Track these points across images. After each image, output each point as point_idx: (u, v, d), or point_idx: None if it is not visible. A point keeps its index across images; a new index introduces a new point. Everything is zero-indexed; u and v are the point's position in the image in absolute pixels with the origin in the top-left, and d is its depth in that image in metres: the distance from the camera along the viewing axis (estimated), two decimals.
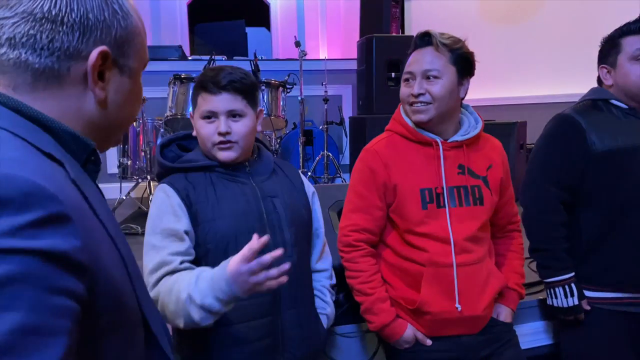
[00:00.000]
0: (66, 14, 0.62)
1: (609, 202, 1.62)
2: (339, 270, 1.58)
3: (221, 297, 1.10)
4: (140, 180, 3.73)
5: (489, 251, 1.57)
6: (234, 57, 5.19)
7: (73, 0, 0.63)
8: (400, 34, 5.27)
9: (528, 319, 1.95)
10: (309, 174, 4.24)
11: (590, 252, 1.66)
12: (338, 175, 4.40)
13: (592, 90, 1.74)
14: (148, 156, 3.62)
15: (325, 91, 4.45)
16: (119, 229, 0.69)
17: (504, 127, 3.83)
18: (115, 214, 3.53)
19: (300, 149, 4.22)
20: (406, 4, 5.45)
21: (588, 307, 1.66)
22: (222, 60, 4.67)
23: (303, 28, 6.00)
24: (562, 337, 1.80)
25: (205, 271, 1.16)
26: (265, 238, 1.06)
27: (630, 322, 1.64)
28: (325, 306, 1.49)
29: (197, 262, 1.29)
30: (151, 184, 3.60)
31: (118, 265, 0.63)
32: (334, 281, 1.55)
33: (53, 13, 0.62)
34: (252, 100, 1.37)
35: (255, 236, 1.07)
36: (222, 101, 1.32)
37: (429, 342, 1.51)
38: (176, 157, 1.42)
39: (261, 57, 4.69)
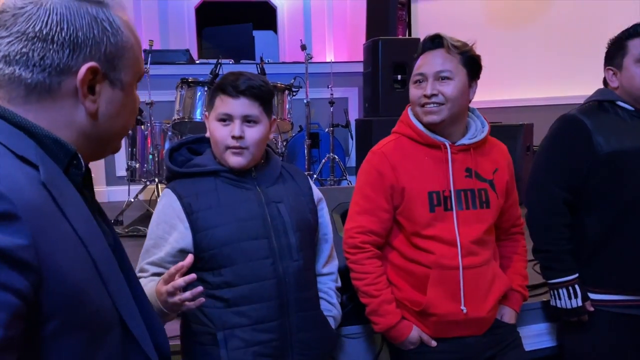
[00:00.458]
0: (56, 33, 0.66)
1: (614, 204, 1.61)
2: (343, 271, 1.59)
3: (156, 308, 1.13)
4: (148, 183, 3.76)
5: (494, 254, 1.58)
6: (241, 61, 5.21)
7: (63, 20, 0.67)
8: (407, 37, 5.28)
9: (531, 320, 1.94)
10: (315, 176, 4.25)
11: (595, 255, 1.65)
12: (344, 177, 4.41)
13: (598, 91, 1.73)
14: (156, 159, 3.65)
15: (331, 94, 4.47)
16: (96, 231, 0.70)
17: (510, 129, 3.82)
18: (124, 216, 3.57)
19: (306, 151, 4.24)
20: (413, 7, 5.46)
21: (592, 308, 1.65)
22: (229, 64, 4.69)
23: (310, 31, 6.03)
24: (565, 339, 1.80)
25: (153, 282, 1.24)
26: (189, 259, 1.09)
27: (634, 324, 1.63)
28: (332, 308, 1.50)
29: (203, 266, 1.31)
30: (159, 186, 3.62)
31: (83, 265, 0.64)
32: (339, 284, 1.56)
33: (44, 32, 0.66)
34: (267, 108, 1.40)
35: (190, 256, 1.11)
36: (239, 105, 1.34)
37: (434, 343, 1.52)
38: (186, 160, 1.44)
39: (267, 61, 4.71)
